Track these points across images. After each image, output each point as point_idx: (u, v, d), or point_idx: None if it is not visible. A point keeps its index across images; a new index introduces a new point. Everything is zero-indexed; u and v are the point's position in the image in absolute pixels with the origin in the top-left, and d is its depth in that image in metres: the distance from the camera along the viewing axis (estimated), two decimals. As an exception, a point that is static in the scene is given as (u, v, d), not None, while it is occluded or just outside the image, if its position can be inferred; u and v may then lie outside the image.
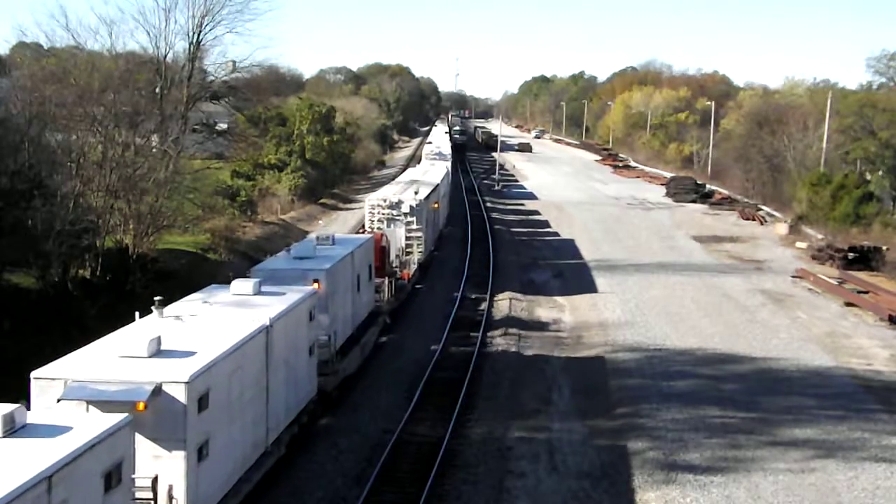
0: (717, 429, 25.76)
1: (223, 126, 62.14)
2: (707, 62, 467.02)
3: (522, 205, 77.65)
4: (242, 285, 22.03)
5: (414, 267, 41.62)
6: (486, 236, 58.40)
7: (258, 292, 21.80)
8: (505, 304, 40.89)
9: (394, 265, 38.29)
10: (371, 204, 42.24)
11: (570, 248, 57.05)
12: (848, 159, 75.38)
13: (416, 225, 41.88)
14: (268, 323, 19.54)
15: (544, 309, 40.83)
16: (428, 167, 64.48)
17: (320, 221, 62.73)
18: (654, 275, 48.06)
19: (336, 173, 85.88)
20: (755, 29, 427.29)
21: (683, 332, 36.60)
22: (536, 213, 73.09)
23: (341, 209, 69.94)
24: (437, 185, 50.73)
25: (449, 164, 72.22)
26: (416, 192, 43.00)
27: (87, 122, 34.93)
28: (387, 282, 35.09)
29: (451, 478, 21.84)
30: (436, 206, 47.96)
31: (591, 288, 45.09)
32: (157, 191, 36.78)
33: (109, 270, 33.67)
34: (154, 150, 41.09)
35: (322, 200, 73.09)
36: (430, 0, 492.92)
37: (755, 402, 28.17)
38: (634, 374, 30.82)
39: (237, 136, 63.21)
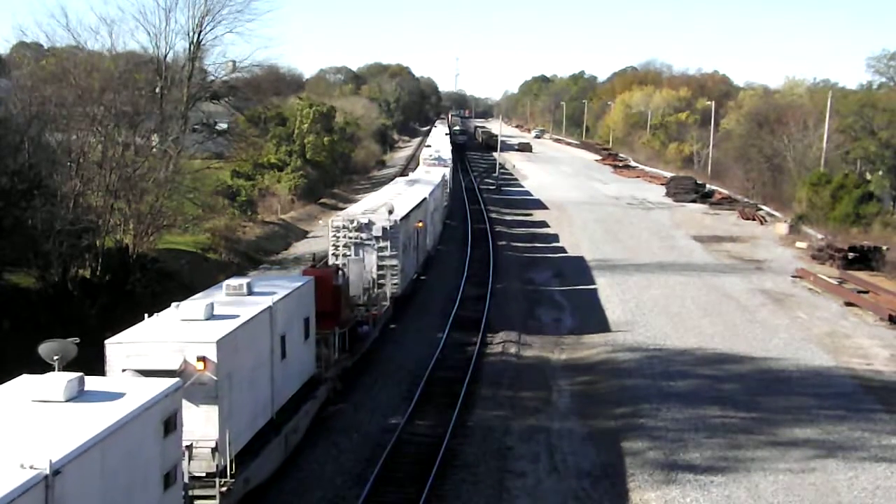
0: (717, 429, 25.76)
1: (223, 126, 62.16)
2: (707, 62, 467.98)
3: (530, 215, 70.72)
4: (46, 387, 13.99)
5: (385, 304, 34.70)
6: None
7: (72, 397, 13.94)
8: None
9: (357, 304, 31.32)
10: (336, 226, 34.98)
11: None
12: (848, 159, 75.38)
13: (391, 251, 34.96)
14: (49, 472, 11.46)
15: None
16: (422, 174, 59.68)
17: (320, 221, 62.69)
18: (654, 275, 48.04)
19: (336, 173, 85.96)
20: (755, 29, 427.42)
21: (683, 332, 36.59)
22: (544, 224, 66.48)
23: (341, 209, 69.87)
24: (423, 200, 43.97)
25: (448, 170, 67.83)
26: (389, 212, 35.55)
27: (86, 122, 34.92)
28: (336, 336, 26.58)
29: None
30: (419, 224, 41.31)
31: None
32: (157, 191, 36.78)
33: (109, 270, 33.68)
34: (154, 150, 41.08)
35: (322, 200, 73.13)
36: (430, 0, 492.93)
37: (755, 401, 28.17)
38: (634, 374, 30.81)
39: (237, 136, 63.24)
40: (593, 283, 46.11)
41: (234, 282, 22.14)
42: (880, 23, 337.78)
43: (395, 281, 35.38)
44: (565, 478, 22.23)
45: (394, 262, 35.08)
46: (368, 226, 34.83)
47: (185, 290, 38.71)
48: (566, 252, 55.58)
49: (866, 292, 44.50)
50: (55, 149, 32.88)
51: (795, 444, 24.74)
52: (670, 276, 47.77)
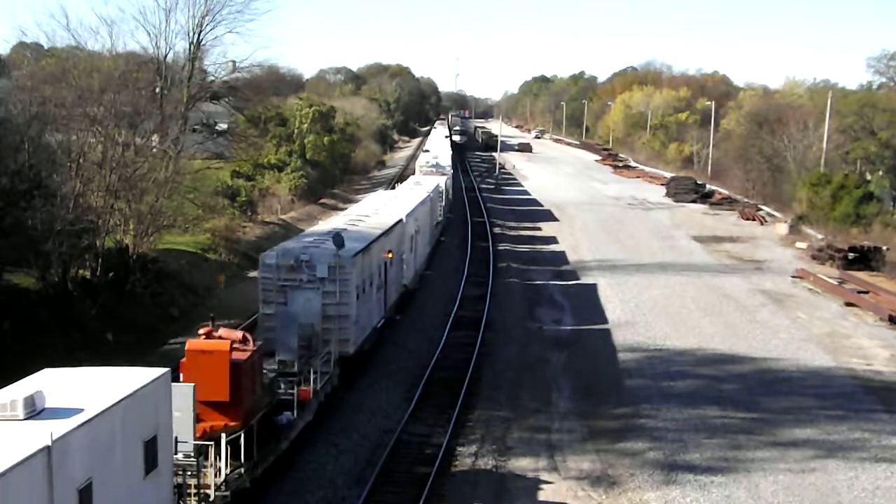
0: (717, 429, 25.76)
1: (223, 126, 62.17)
2: (707, 62, 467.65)
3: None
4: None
5: (328, 372, 25.45)
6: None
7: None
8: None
9: (287, 374, 23.93)
10: (267, 263, 26.61)
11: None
12: (848, 159, 75.41)
13: (340, 296, 26.49)
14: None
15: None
16: (407, 188, 52.28)
17: (320, 221, 62.72)
18: (654, 275, 48.04)
19: (336, 173, 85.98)
20: (755, 29, 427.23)
21: (683, 332, 36.58)
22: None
23: (341, 209, 69.89)
24: (397, 223, 35.86)
25: (446, 179, 61.88)
26: (338, 244, 26.90)
27: (86, 122, 34.93)
28: (223, 449, 18.19)
29: None
30: (388, 255, 33.08)
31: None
32: (157, 191, 36.78)
33: (109, 270, 33.68)
34: (154, 150, 41.08)
35: (322, 200, 73.13)
36: (429, 0, 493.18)
37: (755, 402, 28.18)
38: (634, 375, 30.81)
39: (237, 136, 63.27)
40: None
41: (6, 397, 13.37)
42: (880, 23, 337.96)
43: (346, 336, 26.78)
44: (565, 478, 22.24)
45: (344, 310, 26.60)
46: (310, 263, 26.39)
47: (185, 291, 38.91)
48: (568, 262, 55.07)
49: (866, 292, 44.50)
50: (55, 149, 32.87)
51: (795, 445, 24.75)
52: (670, 277, 47.76)
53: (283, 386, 23.25)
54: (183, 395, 17.30)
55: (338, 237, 27.31)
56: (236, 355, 19.54)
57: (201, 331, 20.06)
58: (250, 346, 20.25)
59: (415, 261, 41.14)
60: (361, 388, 27.90)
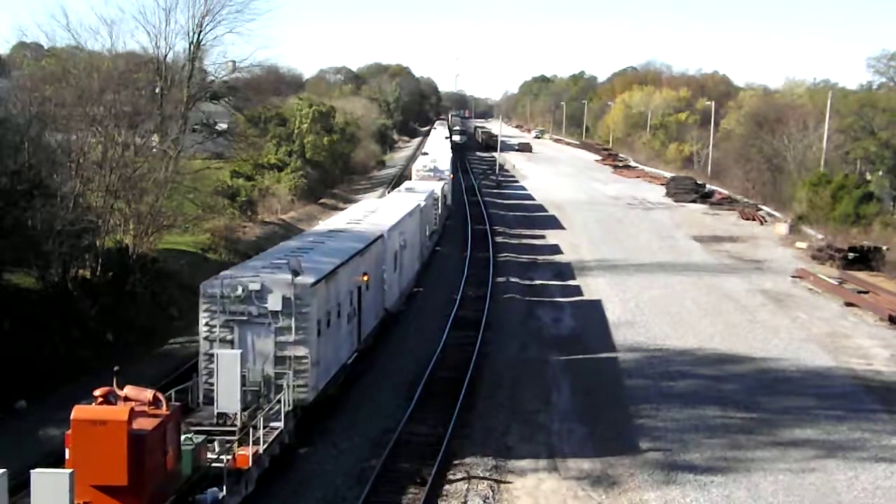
0: (717, 429, 25.77)
1: (223, 126, 62.10)
2: (707, 62, 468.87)
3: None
4: None
5: (278, 427, 21.16)
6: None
7: None
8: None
9: (223, 430, 19.94)
10: (210, 293, 22.62)
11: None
12: (848, 159, 75.44)
13: (297, 332, 22.48)
14: None
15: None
16: (398, 197, 48.42)
17: (320, 221, 62.74)
18: (654, 275, 48.05)
19: (336, 173, 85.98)
20: (755, 29, 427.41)
21: (683, 332, 36.59)
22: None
23: (341, 209, 69.90)
24: (377, 240, 32.08)
25: (443, 185, 58.75)
26: (294, 272, 22.56)
27: (86, 122, 34.92)
28: None
29: None
30: (364, 278, 28.94)
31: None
32: (157, 191, 36.77)
33: (109, 270, 33.68)
34: (154, 150, 41.06)
35: (322, 200, 73.13)
36: (429, 0, 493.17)
37: (755, 402, 28.18)
38: (634, 375, 30.80)
39: (237, 136, 63.19)
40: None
41: None
42: (880, 23, 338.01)
43: (303, 381, 22.57)
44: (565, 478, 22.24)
45: (301, 350, 22.51)
46: (260, 294, 22.49)
47: (184, 291, 38.88)
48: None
49: (866, 292, 44.50)
50: (55, 149, 32.86)
51: (795, 445, 24.75)
52: (670, 277, 47.77)
53: (217, 449, 18.73)
54: (57, 487, 13.75)
55: (294, 262, 22.77)
56: (139, 425, 15.51)
57: (97, 392, 16.22)
58: (162, 410, 16.30)
59: (399, 280, 36.91)
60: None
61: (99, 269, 33.34)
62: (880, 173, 74.86)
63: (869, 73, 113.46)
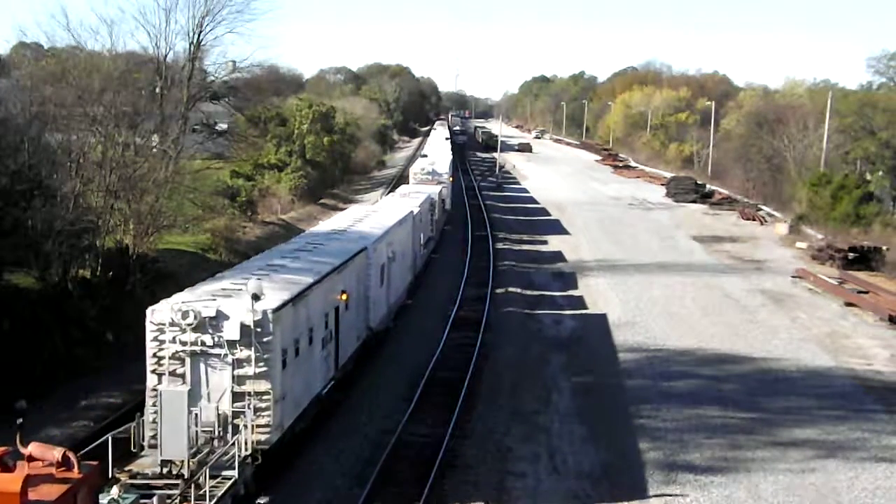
0: (717, 429, 25.76)
1: (223, 126, 62.15)
2: (707, 62, 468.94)
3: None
4: None
5: (231, 476, 18.30)
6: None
7: None
8: None
9: (169, 479, 17.90)
10: (157, 321, 19.69)
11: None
12: (848, 159, 75.39)
13: (257, 365, 19.59)
14: None
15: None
16: (392, 203, 45.69)
17: (320, 222, 62.71)
18: (654, 275, 48.04)
19: (336, 173, 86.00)
20: (755, 29, 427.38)
21: (683, 332, 36.58)
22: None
23: (341, 209, 69.89)
24: (359, 253, 29.22)
25: (442, 188, 56.90)
26: (255, 297, 19.65)
27: (86, 122, 34.92)
28: None
29: None
30: (342, 297, 26.12)
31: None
32: (157, 191, 36.77)
33: (109, 270, 33.67)
34: (154, 150, 41.08)
35: (322, 200, 73.13)
36: (429, 0, 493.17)
37: (755, 402, 28.18)
38: (635, 375, 30.80)
39: (237, 136, 63.26)
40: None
41: None
42: (880, 23, 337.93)
43: (266, 420, 19.70)
44: (565, 478, 22.23)
45: (262, 384, 19.62)
46: (216, 321, 19.58)
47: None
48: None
49: (866, 292, 44.50)
50: (55, 149, 32.87)
51: (795, 445, 24.75)
52: (670, 277, 47.76)
53: None
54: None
55: (254, 285, 19.81)
56: (39, 494, 12.47)
57: None
58: (73, 473, 13.15)
59: (387, 296, 33.70)
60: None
61: (99, 269, 33.34)
62: (880, 173, 74.79)
63: (869, 73, 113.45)
